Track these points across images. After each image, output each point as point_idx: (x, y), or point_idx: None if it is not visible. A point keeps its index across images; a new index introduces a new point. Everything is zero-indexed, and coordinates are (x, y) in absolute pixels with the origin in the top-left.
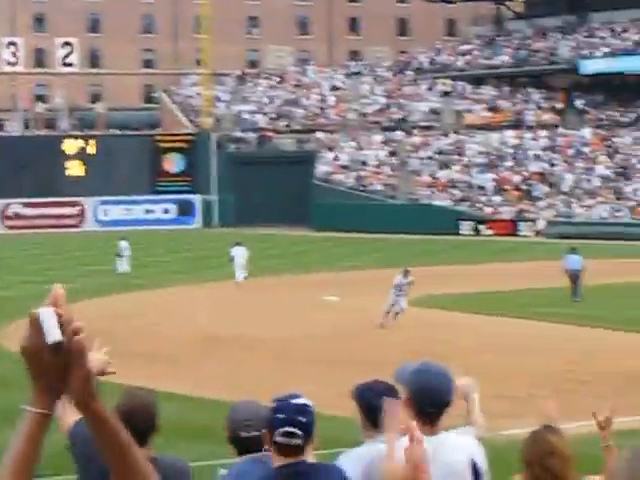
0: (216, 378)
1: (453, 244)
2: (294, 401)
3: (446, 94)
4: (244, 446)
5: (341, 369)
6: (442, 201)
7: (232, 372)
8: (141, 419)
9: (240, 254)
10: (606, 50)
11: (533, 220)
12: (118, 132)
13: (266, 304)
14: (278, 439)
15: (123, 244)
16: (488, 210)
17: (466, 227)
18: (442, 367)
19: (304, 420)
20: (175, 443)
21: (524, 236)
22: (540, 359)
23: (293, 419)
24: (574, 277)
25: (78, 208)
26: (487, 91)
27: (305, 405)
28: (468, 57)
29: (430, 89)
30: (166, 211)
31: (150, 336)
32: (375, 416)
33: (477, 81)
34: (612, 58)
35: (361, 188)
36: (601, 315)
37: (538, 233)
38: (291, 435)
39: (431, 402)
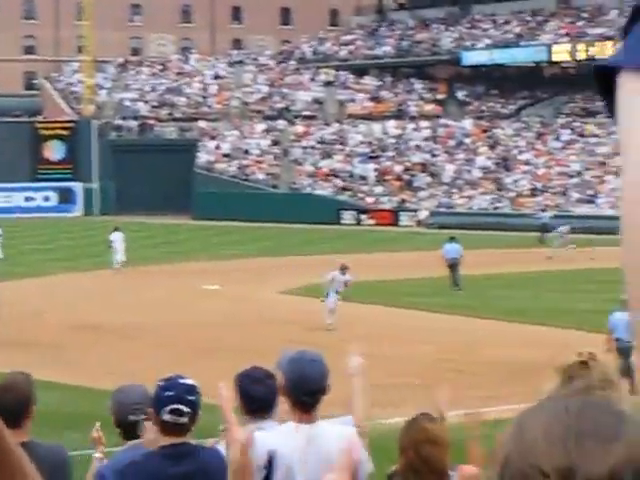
0: (98, 367)
1: (335, 234)
2: (182, 381)
3: (329, 84)
4: (131, 430)
5: (226, 357)
6: (324, 190)
7: (114, 361)
8: (13, 399)
9: (119, 239)
10: (488, 42)
11: (414, 210)
12: None
13: (147, 292)
14: (165, 417)
15: None
16: (369, 200)
17: (348, 217)
18: (316, 355)
19: (192, 399)
20: (54, 432)
21: (405, 226)
22: (421, 348)
23: (182, 397)
24: (453, 266)
25: None
26: (369, 81)
27: (193, 385)
28: (351, 47)
29: (313, 79)
30: (46, 199)
31: (30, 324)
32: (250, 402)
33: (360, 71)
34: (494, 50)
35: (243, 177)
36: (482, 305)
37: (419, 223)
38: (179, 413)
39: (305, 391)
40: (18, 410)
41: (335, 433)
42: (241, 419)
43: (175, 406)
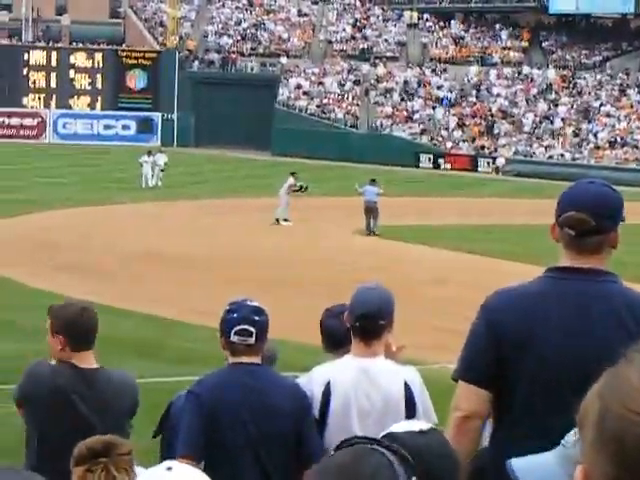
0: (164, 296)
1: (413, 176)
2: (248, 302)
3: (413, 26)
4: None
5: (289, 293)
6: (402, 133)
7: (181, 291)
8: (91, 319)
9: (158, 161)
10: None
11: (493, 158)
12: (82, 46)
13: (215, 226)
14: (233, 338)
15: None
16: (448, 144)
17: (425, 160)
18: (380, 285)
19: (258, 319)
20: (123, 359)
21: (483, 172)
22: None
23: (247, 318)
24: (370, 210)
25: (38, 120)
26: (454, 26)
27: (258, 307)
28: None
29: (397, 20)
30: (126, 127)
31: (93, 250)
32: (328, 337)
33: (445, 15)
34: None
35: (323, 115)
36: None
37: (497, 170)
38: (246, 333)
39: (358, 315)
40: (93, 330)
41: (392, 368)
42: (324, 356)
43: (241, 327)
